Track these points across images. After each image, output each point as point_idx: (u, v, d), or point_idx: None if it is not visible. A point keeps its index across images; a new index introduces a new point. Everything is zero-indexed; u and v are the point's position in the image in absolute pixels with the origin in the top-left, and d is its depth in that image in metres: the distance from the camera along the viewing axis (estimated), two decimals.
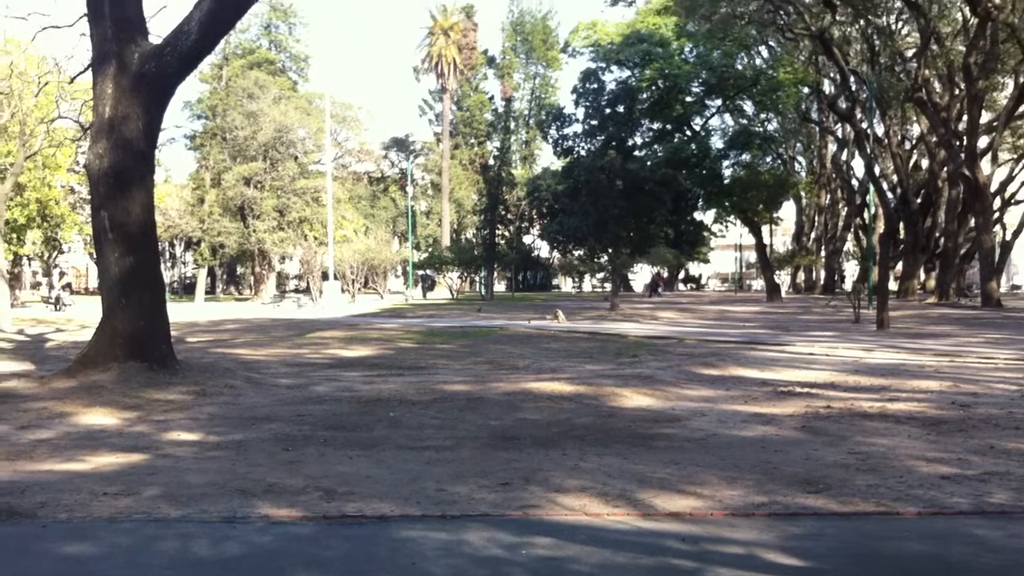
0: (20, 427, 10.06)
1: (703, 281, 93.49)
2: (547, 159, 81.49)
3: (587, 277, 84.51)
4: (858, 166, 60.36)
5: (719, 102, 54.05)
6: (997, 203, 50.94)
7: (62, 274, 71.66)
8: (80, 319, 33.21)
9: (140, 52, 13.99)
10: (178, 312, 28.72)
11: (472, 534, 5.78)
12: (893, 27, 49.36)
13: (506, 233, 72.68)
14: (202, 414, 11.02)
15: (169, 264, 78.72)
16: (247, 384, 13.78)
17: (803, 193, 65.60)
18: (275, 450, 8.73)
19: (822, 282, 68.00)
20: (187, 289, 76.66)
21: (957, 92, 45.63)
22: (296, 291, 64.75)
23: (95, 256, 17.81)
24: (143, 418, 10.68)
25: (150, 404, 11.54)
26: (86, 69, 18.33)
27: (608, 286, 60.00)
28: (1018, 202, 55.48)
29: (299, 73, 74.48)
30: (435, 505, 6.54)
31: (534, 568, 5.11)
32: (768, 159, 60.11)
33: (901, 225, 52.50)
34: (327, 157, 62.41)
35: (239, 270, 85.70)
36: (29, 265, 75.60)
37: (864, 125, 47.83)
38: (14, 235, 48.60)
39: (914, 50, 46.64)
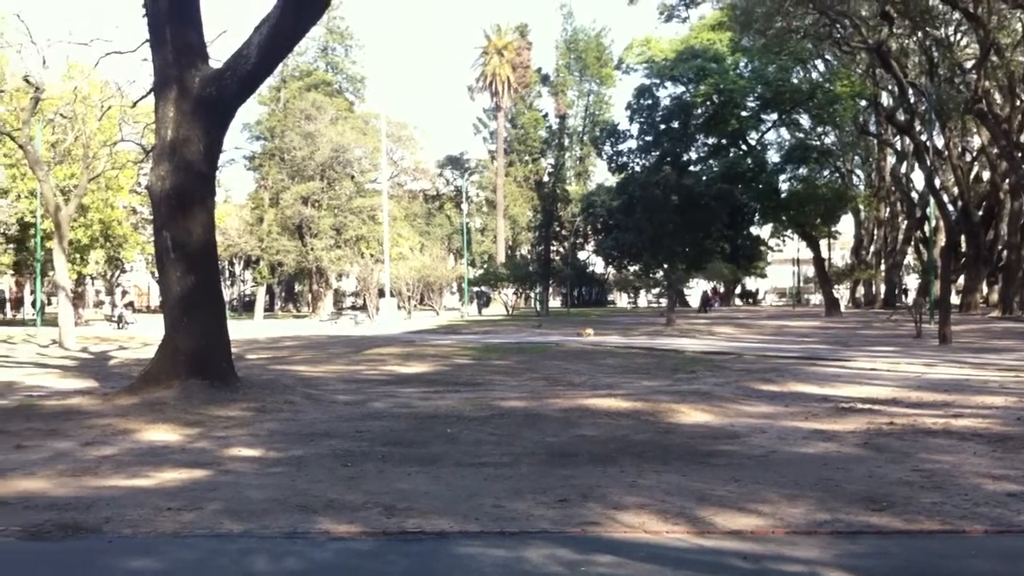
0: (85, 443, 10.24)
1: (760, 296, 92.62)
2: (601, 175, 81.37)
3: (642, 292, 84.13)
4: (918, 179, 59.60)
5: (775, 116, 53.61)
6: None
7: (124, 293, 73.04)
8: (142, 337, 33.78)
9: (201, 76, 14.24)
10: (238, 329, 29.06)
11: (531, 551, 5.77)
12: (951, 39, 48.65)
13: (561, 249, 72.72)
14: (262, 430, 11.13)
15: (229, 282, 79.74)
16: (306, 400, 13.91)
17: (861, 206, 64.81)
18: (334, 466, 8.79)
19: (882, 296, 67.06)
20: (246, 307, 77.59)
21: (1018, 103, 44.88)
22: (353, 308, 65.31)
23: (157, 275, 18.12)
24: (205, 434, 10.82)
25: (211, 420, 11.69)
26: (148, 93, 18.76)
27: (663, 301, 59.68)
28: None
29: (355, 94, 75.34)
30: (494, 522, 6.54)
31: None
32: (825, 172, 59.54)
33: (963, 238, 51.65)
34: (383, 176, 63.00)
35: (297, 288, 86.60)
36: (92, 284, 77.12)
37: (923, 137, 47.17)
38: (78, 255, 49.65)
39: (973, 61, 45.88)
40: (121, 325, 45.94)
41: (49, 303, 56.64)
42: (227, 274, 77.53)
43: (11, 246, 49.42)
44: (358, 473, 8.41)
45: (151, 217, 15.82)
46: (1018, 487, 7.51)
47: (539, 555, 5.68)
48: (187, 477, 8.34)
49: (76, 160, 38.62)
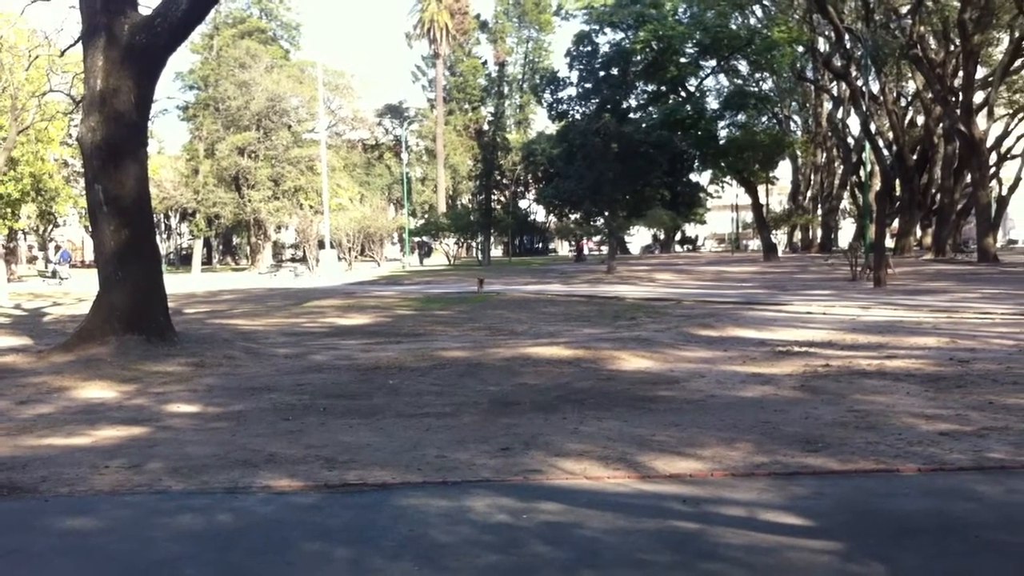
0: (19, 402, 10.07)
1: (699, 242, 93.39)
2: (542, 123, 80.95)
3: (584, 241, 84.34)
4: (854, 124, 60.00)
5: (713, 63, 53.62)
6: (993, 158, 50.80)
7: (58, 248, 71.59)
8: (77, 292, 33.15)
9: (130, 24, 13.89)
10: (175, 283, 28.69)
11: (474, 500, 5.79)
12: None
13: (502, 198, 72.55)
14: (201, 385, 11.02)
15: (165, 236, 78.56)
16: (246, 355, 13.78)
17: (799, 152, 65.38)
18: (275, 420, 8.74)
19: (819, 241, 67.98)
20: (183, 260, 76.57)
21: (952, 48, 45.38)
22: (293, 260, 64.76)
23: (90, 229, 17.77)
24: (142, 391, 10.69)
25: (149, 377, 11.55)
26: (76, 42, 18.24)
27: (604, 249, 59.91)
28: (1014, 157, 55.26)
29: (291, 41, 74.16)
30: (436, 472, 6.54)
31: (537, 533, 5.11)
32: (763, 119, 59.83)
33: (897, 182, 52.37)
34: (321, 125, 62.22)
35: (235, 240, 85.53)
36: (25, 239, 75.57)
37: (859, 83, 47.41)
38: (9, 209, 48.62)
39: (909, 6, 46.23)
40: (56, 280, 45.05)
41: None
42: (163, 227, 76.39)
43: None
44: (299, 427, 8.37)
45: (83, 170, 15.45)
46: (950, 426, 7.68)
47: (482, 504, 5.69)
48: (125, 435, 8.23)
49: (4, 112, 37.58)
